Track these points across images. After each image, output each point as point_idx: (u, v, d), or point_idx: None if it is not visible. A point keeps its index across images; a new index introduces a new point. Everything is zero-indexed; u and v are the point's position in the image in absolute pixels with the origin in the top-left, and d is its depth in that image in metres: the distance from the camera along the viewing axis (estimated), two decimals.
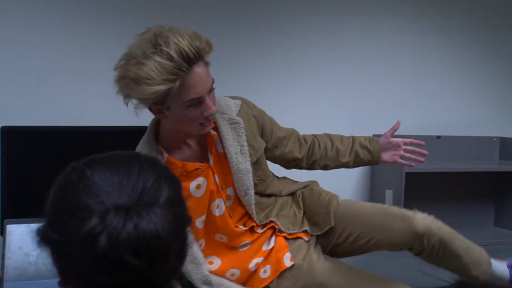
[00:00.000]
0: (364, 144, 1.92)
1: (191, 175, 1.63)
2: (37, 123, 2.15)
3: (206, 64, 1.53)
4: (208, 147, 1.67)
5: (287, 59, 2.65)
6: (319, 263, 1.71)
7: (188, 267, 1.65)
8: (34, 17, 2.25)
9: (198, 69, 1.47)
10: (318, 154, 1.88)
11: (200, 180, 1.65)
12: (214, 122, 1.66)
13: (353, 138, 1.92)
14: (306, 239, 1.79)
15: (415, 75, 2.95)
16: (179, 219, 0.77)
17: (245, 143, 1.68)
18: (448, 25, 3.00)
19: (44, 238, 0.76)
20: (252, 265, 1.73)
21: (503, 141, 3.13)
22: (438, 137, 2.99)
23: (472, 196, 3.12)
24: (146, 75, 1.39)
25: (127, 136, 2.18)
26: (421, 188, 2.95)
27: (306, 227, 1.80)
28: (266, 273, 1.74)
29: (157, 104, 1.50)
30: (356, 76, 2.80)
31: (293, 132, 1.88)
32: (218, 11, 2.49)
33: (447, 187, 3.04)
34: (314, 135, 1.92)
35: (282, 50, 2.64)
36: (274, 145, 1.82)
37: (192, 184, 1.63)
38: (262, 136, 1.78)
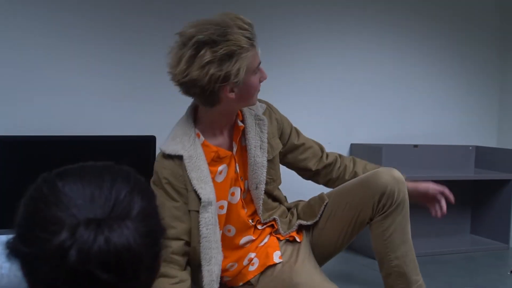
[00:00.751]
0: None
1: (217, 160, 1.73)
2: (10, 132, 2.12)
3: None
4: (234, 137, 1.77)
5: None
6: (301, 265, 1.73)
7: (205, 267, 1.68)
8: (15, 26, 2.22)
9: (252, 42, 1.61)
10: (335, 174, 1.96)
11: (222, 166, 1.74)
12: (242, 115, 1.78)
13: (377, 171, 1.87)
14: (298, 240, 1.85)
15: (393, 86, 2.98)
16: (152, 231, 0.76)
17: (266, 140, 1.79)
18: (425, 36, 3.04)
19: (13, 251, 0.74)
20: (246, 259, 1.81)
21: (479, 149, 3.18)
22: (415, 146, 3.02)
23: (449, 204, 3.14)
24: (237, 46, 1.54)
25: (104, 146, 2.17)
26: None
27: (300, 221, 1.85)
28: (253, 265, 1.80)
29: (229, 81, 1.57)
30: (335, 86, 2.82)
31: (317, 145, 1.98)
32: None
33: None
34: (340, 155, 2.00)
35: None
36: (288, 150, 1.92)
37: (215, 169, 1.72)
38: (280, 138, 1.89)
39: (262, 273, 1.79)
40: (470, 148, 3.18)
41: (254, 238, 1.84)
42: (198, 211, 1.66)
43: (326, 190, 1.93)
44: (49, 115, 2.26)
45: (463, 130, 3.21)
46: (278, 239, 1.86)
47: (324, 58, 2.79)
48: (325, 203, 1.86)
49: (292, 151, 1.94)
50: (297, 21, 2.66)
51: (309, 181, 2.00)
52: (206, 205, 1.66)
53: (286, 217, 1.92)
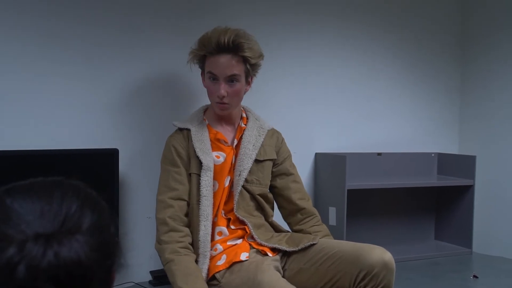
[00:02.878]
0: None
1: (218, 146, 2.06)
2: None
3: (247, 64, 2.00)
4: (237, 134, 2.10)
5: None
6: (267, 266, 1.77)
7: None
8: None
9: (225, 58, 1.96)
10: (303, 225, 2.12)
11: (221, 153, 2.06)
12: (247, 120, 2.14)
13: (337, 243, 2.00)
14: (270, 255, 1.90)
15: (356, 96, 3.01)
16: (104, 245, 0.75)
17: (260, 142, 2.09)
18: (387, 47, 3.10)
19: None
20: (213, 249, 1.96)
21: (441, 156, 3.24)
22: (379, 153, 3.06)
23: (413, 211, 3.20)
24: (202, 38, 2.03)
25: (67, 159, 2.14)
26: (364, 204, 3.00)
27: (277, 245, 1.94)
28: (221, 260, 1.89)
29: (202, 71, 2.08)
30: (298, 95, 2.84)
31: (306, 192, 2.22)
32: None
33: (388, 203, 3.11)
34: (321, 222, 2.18)
35: None
36: (279, 172, 2.15)
37: (214, 153, 2.04)
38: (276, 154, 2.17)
39: (228, 269, 1.85)
40: (433, 155, 3.24)
41: (227, 232, 2.00)
42: (198, 174, 1.99)
43: None
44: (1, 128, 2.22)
45: (426, 138, 3.27)
46: (251, 246, 1.94)
47: (287, 68, 2.81)
48: (312, 242, 1.92)
49: (282, 175, 2.15)
50: (264, 29, 2.68)
51: None
52: (206, 169, 1.97)
53: (270, 232, 2.05)
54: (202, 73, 2.09)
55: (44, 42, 2.24)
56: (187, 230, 1.95)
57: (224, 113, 2.06)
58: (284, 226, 2.22)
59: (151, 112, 2.47)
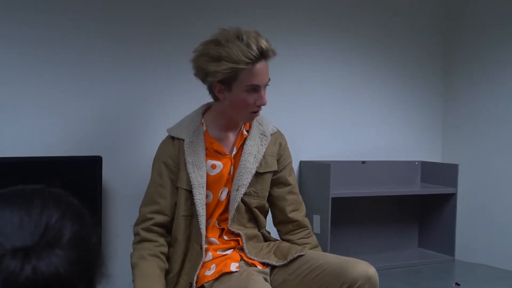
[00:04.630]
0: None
1: (214, 154, 1.93)
2: None
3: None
4: (237, 142, 1.96)
5: None
6: (258, 276, 1.76)
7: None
8: None
9: (264, 64, 1.81)
10: (292, 236, 2.06)
11: (217, 162, 1.93)
12: (249, 126, 1.99)
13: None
14: (259, 267, 1.88)
15: (341, 104, 3.03)
16: (85, 256, 0.75)
17: (262, 153, 1.96)
18: (371, 56, 3.12)
19: None
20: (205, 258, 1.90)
21: (424, 165, 3.27)
22: (363, 162, 3.08)
23: (397, 219, 3.22)
24: (227, 54, 1.73)
25: (50, 166, 2.12)
26: (348, 212, 3.01)
27: (266, 260, 1.91)
28: (210, 270, 1.85)
29: (222, 84, 1.81)
30: (283, 103, 2.85)
31: (302, 202, 2.12)
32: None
33: (372, 210, 3.13)
34: (311, 233, 2.11)
35: None
36: (277, 181, 2.04)
37: (210, 162, 1.92)
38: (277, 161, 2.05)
39: (217, 279, 1.81)
40: (416, 163, 3.27)
41: (218, 242, 1.93)
42: (186, 190, 1.88)
43: None
44: None
45: (409, 146, 3.30)
46: (241, 257, 1.90)
47: (272, 76, 2.82)
48: (300, 254, 1.90)
49: (279, 185, 2.05)
50: None
51: None
52: (197, 186, 1.87)
53: (260, 242, 2.00)
54: (224, 85, 1.82)
55: (27, 50, 2.23)
56: (162, 240, 1.89)
57: (252, 121, 1.97)
58: (274, 231, 2.20)
59: (135, 119, 2.46)
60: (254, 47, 1.75)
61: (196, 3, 2.58)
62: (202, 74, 1.83)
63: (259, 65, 1.79)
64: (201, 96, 2.02)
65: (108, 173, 2.31)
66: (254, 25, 2.72)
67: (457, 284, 2.56)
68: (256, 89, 1.82)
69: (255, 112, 1.88)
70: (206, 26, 2.58)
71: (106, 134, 2.38)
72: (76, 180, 2.16)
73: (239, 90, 1.81)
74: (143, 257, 1.83)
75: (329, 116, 3.00)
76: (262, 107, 1.88)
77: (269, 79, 1.87)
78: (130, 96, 2.44)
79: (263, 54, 1.79)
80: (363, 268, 1.77)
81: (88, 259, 0.76)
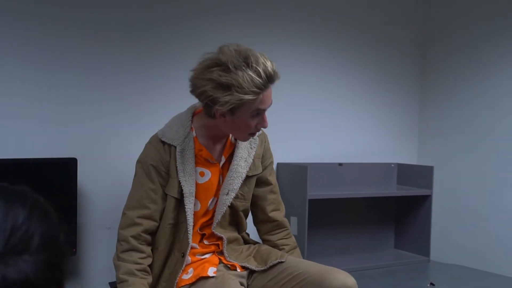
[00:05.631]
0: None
1: (202, 162, 1.88)
2: None
3: None
4: (225, 151, 1.92)
5: None
6: (233, 280, 1.76)
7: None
8: None
9: (270, 88, 1.74)
10: (272, 236, 2.07)
11: (206, 170, 1.89)
12: None
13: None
14: (239, 270, 1.88)
15: (318, 107, 3.05)
16: (54, 257, 0.73)
17: (252, 156, 1.93)
18: (348, 59, 3.15)
19: None
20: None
21: (400, 167, 3.30)
22: (340, 164, 3.10)
23: (373, 220, 3.25)
24: (238, 84, 1.64)
25: (24, 168, 2.09)
26: (325, 214, 3.03)
27: (246, 264, 1.90)
28: (187, 274, 1.84)
29: (215, 106, 1.71)
30: None
31: (281, 202, 2.12)
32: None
33: (349, 212, 3.15)
34: (290, 234, 2.11)
35: None
36: (258, 181, 2.01)
37: (199, 169, 1.87)
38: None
39: (193, 283, 1.81)
40: (392, 165, 3.30)
41: (198, 247, 1.91)
42: (175, 198, 1.83)
43: None
44: None
45: (386, 149, 3.33)
46: (220, 260, 1.90)
47: None
48: (280, 260, 1.89)
49: (260, 184, 2.03)
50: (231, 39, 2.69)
51: None
52: (188, 195, 1.82)
53: (240, 245, 1.99)
54: (231, 112, 1.72)
55: (2, 51, 2.20)
56: (149, 250, 1.84)
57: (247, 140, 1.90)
58: (253, 230, 2.19)
59: (112, 121, 2.44)
60: (263, 75, 1.67)
61: (183, 2, 2.58)
62: (205, 98, 1.72)
63: (267, 92, 1.73)
64: (180, 99, 2.00)
65: (84, 176, 2.29)
66: (233, 29, 2.73)
67: (432, 284, 2.59)
68: (260, 113, 1.77)
69: (254, 133, 1.84)
70: (192, 26, 2.58)
71: (81, 135, 2.36)
72: (51, 182, 2.13)
73: (242, 115, 1.73)
74: (133, 273, 1.77)
75: (307, 119, 3.01)
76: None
77: (271, 101, 1.79)
78: (108, 97, 2.42)
79: (271, 80, 1.72)
80: (342, 278, 1.77)
81: (57, 259, 0.74)
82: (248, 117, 1.74)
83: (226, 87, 1.65)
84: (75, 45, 2.34)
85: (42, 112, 2.27)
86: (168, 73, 2.55)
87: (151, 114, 2.47)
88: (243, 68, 1.65)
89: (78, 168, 2.20)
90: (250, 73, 1.65)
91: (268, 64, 1.70)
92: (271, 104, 1.79)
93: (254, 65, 1.66)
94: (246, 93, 1.65)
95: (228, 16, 2.73)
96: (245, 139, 1.87)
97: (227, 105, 1.67)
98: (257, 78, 1.66)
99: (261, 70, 1.66)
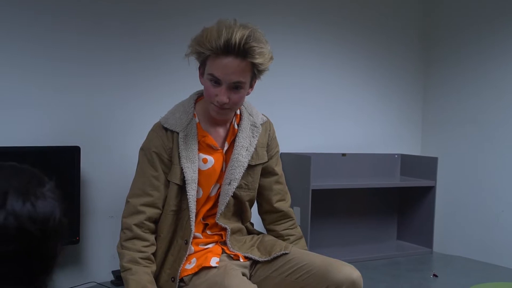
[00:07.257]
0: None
1: (205, 148, 1.87)
2: None
3: (255, 70, 1.78)
4: (228, 137, 1.91)
5: None
6: (236, 271, 1.75)
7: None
8: None
9: (233, 61, 1.71)
10: (277, 227, 2.06)
11: (209, 157, 1.88)
12: (240, 118, 1.93)
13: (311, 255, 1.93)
14: (241, 260, 1.87)
15: (322, 97, 3.04)
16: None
17: (254, 145, 1.92)
18: (352, 49, 3.13)
19: None
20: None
21: (404, 157, 3.29)
22: (343, 154, 3.09)
23: (376, 211, 3.24)
24: (199, 37, 1.74)
25: (28, 156, 2.09)
26: (328, 204, 3.03)
27: (249, 254, 1.89)
28: (190, 264, 1.83)
29: (200, 67, 1.81)
30: (263, 95, 2.84)
31: (287, 192, 2.11)
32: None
33: (352, 203, 3.14)
34: (295, 225, 2.11)
35: None
36: (264, 171, 2.00)
37: (202, 156, 1.87)
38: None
39: (196, 273, 1.80)
40: (396, 156, 3.29)
41: (201, 237, 1.91)
42: (178, 184, 1.83)
43: None
44: None
45: (389, 139, 3.32)
46: (224, 250, 1.89)
47: None
48: (285, 252, 1.88)
49: (266, 175, 2.02)
50: None
51: None
52: (191, 182, 1.82)
53: (244, 236, 1.98)
54: (201, 69, 1.82)
55: (5, 42, 2.18)
56: (152, 239, 1.83)
57: (220, 118, 1.85)
58: (257, 220, 2.19)
59: (115, 110, 2.43)
60: (223, 39, 1.67)
61: None
62: (189, 49, 1.82)
63: (226, 60, 1.70)
64: (182, 88, 1.99)
65: (87, 164, 2.29)
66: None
67: (435, 275, 2.59)
68: (218, 82, 1.74)
69: (217, 107, 1.79)
70: (188, 20, 2.56)
71: (85, 124, 2.35)
72: (55, 170, 2.12)
73: (206, 77, 1.78)
74: (136, 261, 1.76)
75: (310, 109, 3.00)
76: (226, 106, 1.78)
77: (239, 82, 1.74)
78: (110, 85, 2.41)
79: (229, 48, 1.68)
80: (348, 272, 1.76)
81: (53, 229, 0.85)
82: (207, 81, 1.77)
83: (195, 38, 1.76)
84: (79, 34, 2.32)
85: (45, 100, 2.26)
86: (171, 62, 2.54)
87: (155, 103, 2.46)
88: (215, 28, 1.72)
89: (81, 157, 2.19)
90: (214, 32, 1.70)
91: (237, 35, 1.67)
92: (231, 81, 1.73)
93: (223, 29, 1.69)
94: (200, 45, 1.73)
95: (236, 5, 2.71)
96: (213, 113, 1.82)
97: (189, 51, 1.78)
98: (217, 39, 1.69)
99: (224, 35, 1.68)
